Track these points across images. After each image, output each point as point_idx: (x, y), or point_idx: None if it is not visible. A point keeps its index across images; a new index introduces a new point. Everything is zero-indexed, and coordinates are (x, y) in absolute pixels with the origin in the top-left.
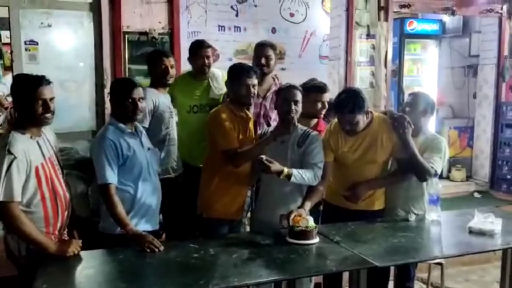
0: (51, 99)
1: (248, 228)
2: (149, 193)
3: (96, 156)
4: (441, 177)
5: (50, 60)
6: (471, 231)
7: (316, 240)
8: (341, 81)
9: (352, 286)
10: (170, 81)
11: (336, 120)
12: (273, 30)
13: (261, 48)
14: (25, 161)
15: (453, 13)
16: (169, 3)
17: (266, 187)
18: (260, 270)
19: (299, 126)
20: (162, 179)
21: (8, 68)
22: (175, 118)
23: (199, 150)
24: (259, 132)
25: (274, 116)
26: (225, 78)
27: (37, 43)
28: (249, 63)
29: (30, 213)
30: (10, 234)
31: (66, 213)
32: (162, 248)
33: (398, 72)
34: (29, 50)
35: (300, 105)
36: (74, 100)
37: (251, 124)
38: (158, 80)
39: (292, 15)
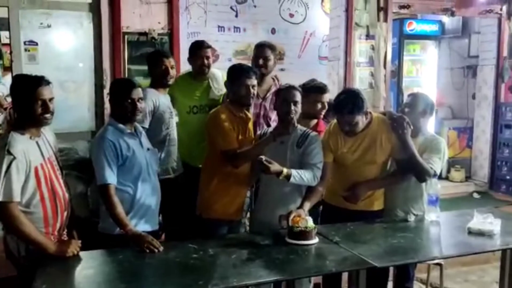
0: (51, 99)
1: (247, 229)
2: (148, 194)
3: (96, 156)
4: (440, 177)
5: (50, 61)
6: (470, 232)
7: (315, 240)
8: (341, 82)
9: (351, 286)
10: (170, 81)
11: (335, 120)
12: (273, 31)
13: (260, 49)
14: (24, 162)
15: (452, 14)
16: (169, 4)
17: (265, 188)
18: (260, 270)
19: (299, 126)
20: (162, 180)
21: (7, 69)
22: (175, 119)
23: (199, 150)
24: (258, 132)
25: (273, 116)
26: (225, 78)
27: (36, 44)
28: (249, 63)
29: (30, 213)
30: (10, 235)
31: (65, 213)
32: (161, 248)
33: (397, 73)
34: (29, 51)
35: (299, 106)
36: (73, 100)
37: (250, 125)
38: (158, 80)
39: (291, 15)
